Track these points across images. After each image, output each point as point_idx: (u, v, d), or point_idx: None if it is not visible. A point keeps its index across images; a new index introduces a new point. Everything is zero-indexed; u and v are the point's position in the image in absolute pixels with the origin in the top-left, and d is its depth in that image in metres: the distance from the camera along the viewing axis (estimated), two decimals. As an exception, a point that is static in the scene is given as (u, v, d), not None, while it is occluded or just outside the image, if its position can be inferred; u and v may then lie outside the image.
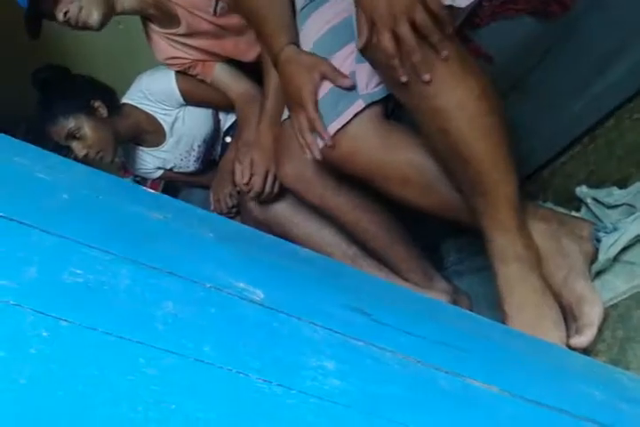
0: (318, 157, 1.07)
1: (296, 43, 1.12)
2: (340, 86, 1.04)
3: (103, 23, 1.49)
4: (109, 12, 1.48)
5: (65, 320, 0.37)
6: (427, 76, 0.86)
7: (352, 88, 1.04)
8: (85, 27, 1.47)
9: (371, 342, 0.53)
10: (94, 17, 1.45)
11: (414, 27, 0.84)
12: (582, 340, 0.93)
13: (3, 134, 0.59)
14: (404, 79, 0.87)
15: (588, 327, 0.94)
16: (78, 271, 0.42)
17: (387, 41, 0.86)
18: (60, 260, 0.42)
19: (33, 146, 0.58)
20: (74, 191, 0.54)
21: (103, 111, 1.72)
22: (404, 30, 0.84)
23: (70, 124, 1.67)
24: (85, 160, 1.72)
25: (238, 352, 0.42)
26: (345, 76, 1.04)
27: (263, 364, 0.42)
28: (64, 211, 0.50)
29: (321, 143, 1.06)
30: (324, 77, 1.06)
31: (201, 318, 0.44)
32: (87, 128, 1.68)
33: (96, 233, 0.48)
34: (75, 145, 1.68)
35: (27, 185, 0.52)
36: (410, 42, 0.84)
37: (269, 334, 0.47)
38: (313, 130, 1.06)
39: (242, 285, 0.51)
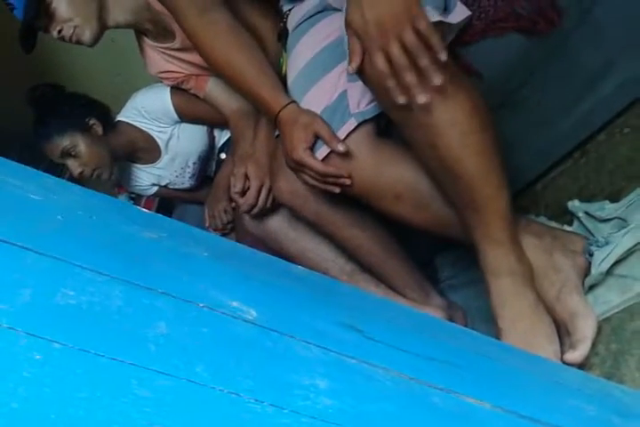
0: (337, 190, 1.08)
1: (294, 100, 1.13)
2: (333, 151, 1.05)
3: (96, 39, 1.50)
4: (102, 29, 1.50)
5: (58, 342, 0.37)
6: (422, 98, 0.86)
7: (346, 153, 1.04)
8: (79, 43, 1.49)
9: (363, 359, 0.53)
10: (87, 35, 1.46)
11: (405, 47, 0.84)
12: (576, 355, 0.94)
13: (-4, 156, 0.59)
14: (401, 101, 0.87)
15: (582, 342, 0.94)
16: (71, 293, 0.42)
17: (380, 63, 0.86)
18: (54, 282, 0.43)
19: (26, 167, 0.59)
20: (68, 212, 0.54)
21: (98, 129, 1.72)
22: (395, 51, 0.84)
23: (65, 142, 1.68)
24: (81, 178, 1.73)
25: (231, 372, 0.42)
26: (338, 140, 1.04)
27: (255, 384, 0.42)
28: (58, 232, 0.50)
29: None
30: (317, 137, 1.06)
31: (193, 339, 0.44)
32: (82, 146, 1.69)
33: (90, 254, 0.49)
34: (70, 163, 1.69)
35: (21, 206, 0.52)
36: (400, 62, 0.85)
37: (262, 353, 0.47)
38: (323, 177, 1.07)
39: (235, 304, 0.51)
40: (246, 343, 0.47)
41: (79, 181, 1.82)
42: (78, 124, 1.71)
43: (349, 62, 0.90)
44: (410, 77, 0.85)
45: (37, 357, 0.36)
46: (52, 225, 0.51)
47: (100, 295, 0.43)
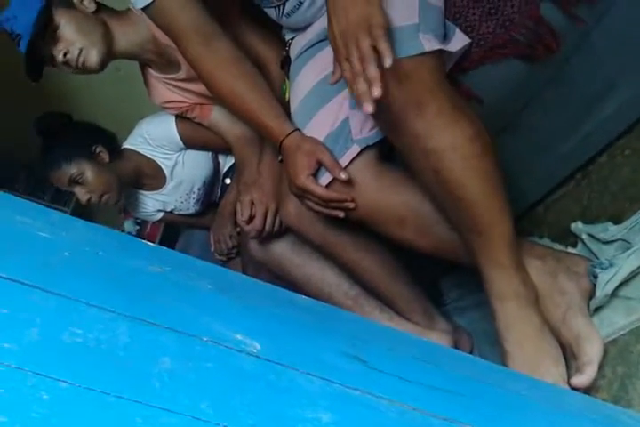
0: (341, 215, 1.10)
1: (297, 128, 1.14)
2: (335, 177, 1.06)
3: (103, 64, 1.50)
4: (109, 54, 1.50)
5: (64, 382, 0.38)
6: (376, 91, 0.82)
7: (347, 181, 1.06)
8: (85, 68, 1.48)
9: (367, 390, 0.53)
10: (94, 58, 1.46)
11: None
12: (584, 379, 0.93)
13: (3, 193, 0.61)
14: (367, 108, 0.84)
15: (589, 366, 0.94)
16: (78, 331, 0.43)
17: (345, 71, 0.87)
18: (61, 320, 0.44)
19: (33, 203, 0.60)
20: (75, 248, 0.55)
21: (105, 156, 1.74)
22: (352, 60, 0.85)
23: (72, 169, 1.69)
24: (88, 205, 1.75)
25: (234, 408, 0.43)
26: (340, 168, 1.06)
27: (259, 418, 0.43)
28: (66, 269, 0.51)
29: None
30: (321, 165, 1.08)
31: (198, 374, 0.44)
32: (89, 173, 1.70)
33: (97, 290, 0.49)
34: (77, 190, 1.70)
35: (28, 244, 0.53)
36: (356, 66, 0.85)
37: (266, 386, 0.47)
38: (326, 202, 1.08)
39: (239, 337, 0.52)
40: (250, 377, 0.48)
41: (86, 207, 1.84)
42: (85, 151, 1.73)
43: (332, 74, 0.94)
44: (360, 84, 0.84)
45: (45, 396, 0.36)
46: (60, 262, 0.52)
47: (107, 332, 0.44)
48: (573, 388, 0.94)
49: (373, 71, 0.83)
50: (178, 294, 0.56)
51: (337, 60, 0.90)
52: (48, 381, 0.37)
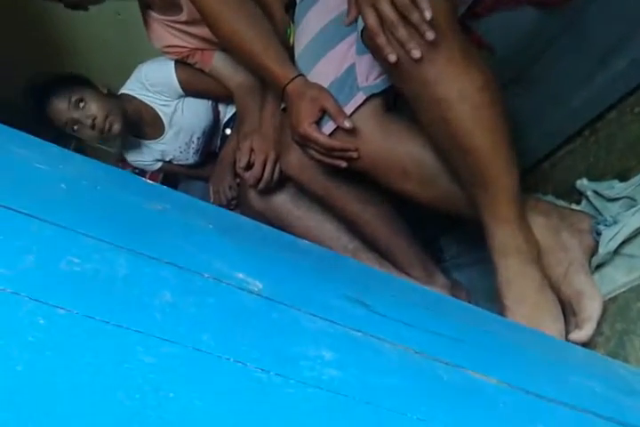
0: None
1: (301, 73, 1.12)
2: (339, 126, 1.04)
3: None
4: None
5: (62, 308, 0.37)
6: (416, 53, 0.85)
7: (351, 129, 1.04)
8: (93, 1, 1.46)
9: (370, 333, 0.52)
10: None
11: (394, 4, 0.84)
12: (582, 334, 0.94)
13: (1, 124, 0.58)
14: (392, 58, 0.86)
15: (588, 322, 0.94)
16: (76, 260, 0.42)
17: (370, 18, 0.86)
18: (58, 248, 0.42)
19: (32, 136, 0.58)
20: (72, 182, 0.53)
21: (103, 89, 1.72)
22: (383, 6, 0.84)
23: (73, 93, 1.66)
24: (92, 138, 1.71)
25: (236, 342, 0.42)
26: (344, 116, 1.04)
27: (261, 353, 0.42)
28: (63, 201, 0.50)
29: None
30: (324, 112, 1.05)
31: (199, 308, 0.43)
32: (90, 96, 1.68)
33: (94, 223, 0.48)
34: (80, 114, 1.67)
35: (25, 175, 0.51)
36: (390, 17, 0.84)
37: (268, 324, 0.46)
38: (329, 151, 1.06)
39: (241, 275, 0.51)
40: (252, 314, 0.47)
41: (89, 142, 1.81)
42: (82, 82, 1.70)
43: (347, 15, 0.92)
44: (401, 32, 0.85)
45: (41, 322, 0.35)
46: (57, 194, 0.51)
47: (105, 263, 0.43)
48: (571, 342, 0.94)
49: (417, 17, 0.83)
50: (178, 232, 0.54)
51: (357, 5, 0.88)
52: (45, 307, 0.36)
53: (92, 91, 1.70)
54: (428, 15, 0.83)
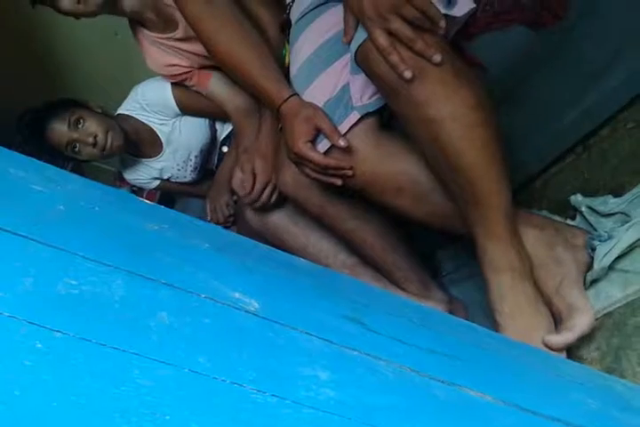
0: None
1: (295, 93, 1.13)
2: (333, 144, 1.05)
3: (102, 7, 1.50)
4: (114, 8, 1.50)
5: (59, 331, 0.37)
6: (437, 58, 0.87)
7: (346, 148, 1.04)
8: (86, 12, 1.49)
9: (365, 351, 0.53)
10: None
11: (407, 21, 0.86)
12: (557, 339, 0.93)
13: (-1, 146, 0.59)
14: (407, 75, 0.87)
15: (569, 331, 0.93)
16: (73, 282, 0.42)
17: (382, 39, 0.87)
18: (56, 271, 0.43)
19: (29, 157, 0.58)
20: (70, 203, 0.54)
21: (97, 109, 1.73)
22: (397, 25, 0.86)
23: (71, 114, 1.67)
24: (92, 157, 1.72)
25: (233, 363, 0.42)
26: (339, 134, 1.04)
27: (258, 374, 0.42)
28: (60, 222, 0.50)
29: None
30: (319, 131, 1.06)
31: (195, 329, 0.44)
32: (88, 115, 1.69)
33: (92, 244, 0.48)
34: (81, 133, 1.67)
35: (23, 197, 0.52)
36: (406, 33, 0.86)
37: (264, 344, 0.47)
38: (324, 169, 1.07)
39: (237, 295, 0.51)
40: (248, 334, 0.47)
41: (88, 160, 1.81)
42: (75, 103, 1.72)
43: (344, 35, 0.93)
44: (418, 44, 0.86)
45: (38, 345, 0.36)
46: (54, 215, 0.51)
47: (102, 285, 0.43)
48: (547, 346, 0.93)
49: (430, 25, 0.86)
50: (174, 252, 0.55)
51: (367, 29, 0.89)
52: (42, 330, 0.37)
53: (88, 110, 1.72)
54: (442, 24, 0.86)
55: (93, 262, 0.45)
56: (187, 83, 1.66)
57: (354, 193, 1.15)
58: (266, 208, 1.35)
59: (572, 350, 0.98)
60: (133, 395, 0.36)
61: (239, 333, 0.46)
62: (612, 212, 1.07)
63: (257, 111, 1.44)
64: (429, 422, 0.49)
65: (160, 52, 1.61)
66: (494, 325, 0.99)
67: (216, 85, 1.63)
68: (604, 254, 1.00)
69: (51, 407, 0.33)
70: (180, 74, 1.65)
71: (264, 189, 1.32)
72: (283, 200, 1.33)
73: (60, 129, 1.68)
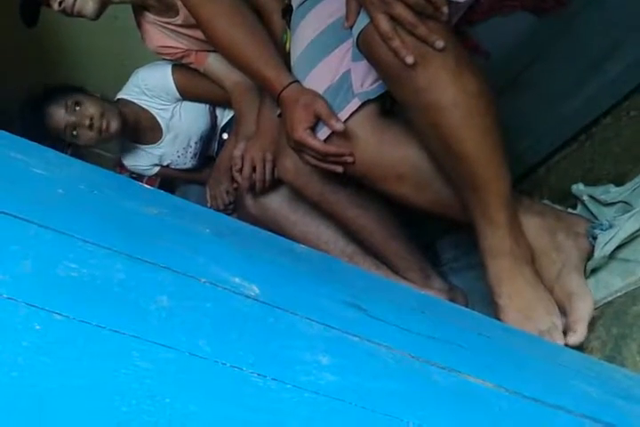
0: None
1: (296, 80, 1.12)
2: (332, 130, 1.04)
3: (99, 12, 1.50)
4: (105, 1, 1.48)
5: (58, 314, 0.37)
6: (440, 43, 0.86)
7: (345, 133, 1.04)
8: (81, 15, 1.48)
9: (366, 337, 0.52)
10: (89, 7, 1.46)
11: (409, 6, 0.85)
12: (577, 336, 0.93)
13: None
14: (409, 60, 0.87)
15: (580, 323, 0.94)
16: (73, 265, 0.42)
17: (383, 23, 0.86)
18: (56, 254, 0.42)
19: (29, 141, 0.58)
20: (69, 186, 0.53)
21: (96, 94, 1.73)
22: (400, 10, 0.85)
23: (69, 98, 1.68)
24: (91, 141, 1.71)
25: (233, 347, 0.42)
26: (336, 119, 1.04)
27: (258, 358, 0.42)
28: (60, 206, 0.50)
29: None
30: (318, 117, 1.06)
31: (195, 313, 0.43)
32: (86, 98, 1.70)
33: (91, 228, 0.48)
34: (77, 114, 1.68)
35: (23, 180, 0.51)
36: (408, 18, 0.85)
37: (264, 328, 0.46)
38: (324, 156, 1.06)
39: (237, 280, 0.51)
40: (248, 319, 0.47)
41: (86, 146, 1.81)
42: (74, 88, 1.72)
43: (346, 19, 0.92)
44: (420, 30, 0.86)
45: (37, 327, 0.35)
46: (54, 199, 0.51)
47: (102, 268, 0.43)
48: (568, 347, 0.94)
49: (432, 11, 0.85)
50: (174, 236, 0.54)
51: (370, 13, 0.88)
52: (41, 312, 0.36)
53: (86, 94, 1.73)
54: (445, 10, 0.85)
55: (93, 246, 0.45)
56: (184, 60, 1.66)
57: (354, 180, 1.15)
58: (266, 194, 1.34)
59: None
60: (133, 378, 0.35)
61: (239, 317, 0.46)
62: (613, 201, 1.06)
63: (256, 88, 1.43)
64: (429, 407, 0.49)
65: (159, 32, 1.61)
66: (494, 308, 0.99)
67: (214, 62, 1.62)
68: (605, 243, 1.00)
69: (49, 390, 0.33)
70: (177, 52, 1.64)
71: (263, 173, 1.30)
72: (282, 187, 1.32)
73: (58, 113, 1.69)
